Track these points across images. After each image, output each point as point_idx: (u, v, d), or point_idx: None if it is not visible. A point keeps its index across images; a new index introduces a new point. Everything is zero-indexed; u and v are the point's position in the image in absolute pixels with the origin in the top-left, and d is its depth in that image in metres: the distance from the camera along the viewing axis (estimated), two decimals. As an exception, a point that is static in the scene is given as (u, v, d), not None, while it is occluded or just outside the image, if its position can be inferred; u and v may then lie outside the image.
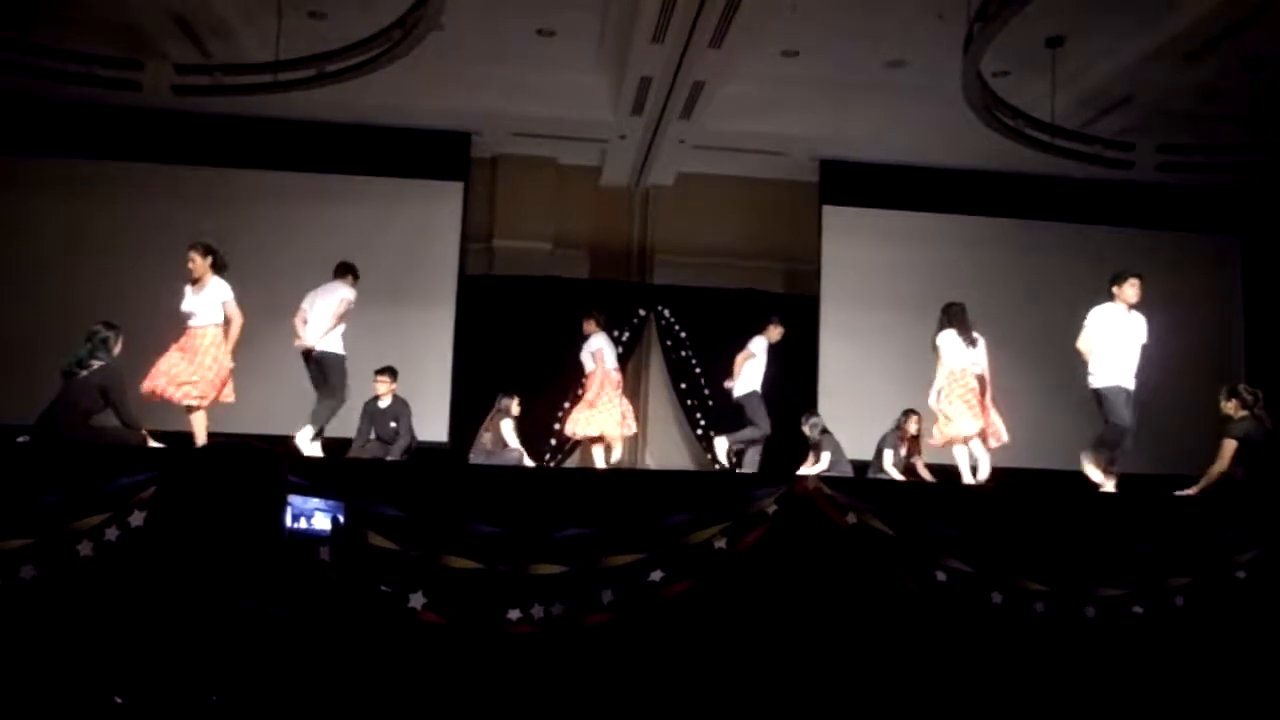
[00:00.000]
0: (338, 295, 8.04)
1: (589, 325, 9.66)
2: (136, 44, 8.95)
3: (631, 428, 9.76)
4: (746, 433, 9.27)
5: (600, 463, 9.49)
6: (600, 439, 9.45)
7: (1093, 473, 7.26)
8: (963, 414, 7.78)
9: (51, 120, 10.19)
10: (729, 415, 9.91)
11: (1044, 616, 5.95)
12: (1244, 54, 8.75)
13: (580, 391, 9.71)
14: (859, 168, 11.45)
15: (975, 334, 8.04)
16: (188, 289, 7.14)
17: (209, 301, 7.06)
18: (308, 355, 8.02)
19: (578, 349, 9.70)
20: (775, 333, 9.46)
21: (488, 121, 10.82)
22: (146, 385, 7.02)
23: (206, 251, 7.10)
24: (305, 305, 8.16)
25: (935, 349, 7.96)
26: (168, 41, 9.03)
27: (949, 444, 7.94)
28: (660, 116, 10.08)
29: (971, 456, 7.93)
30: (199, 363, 7.03)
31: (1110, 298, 7.46)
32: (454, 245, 11.09)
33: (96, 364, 6.79)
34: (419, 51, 8.11)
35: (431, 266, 10.79)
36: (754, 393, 9.27)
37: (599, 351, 9.43)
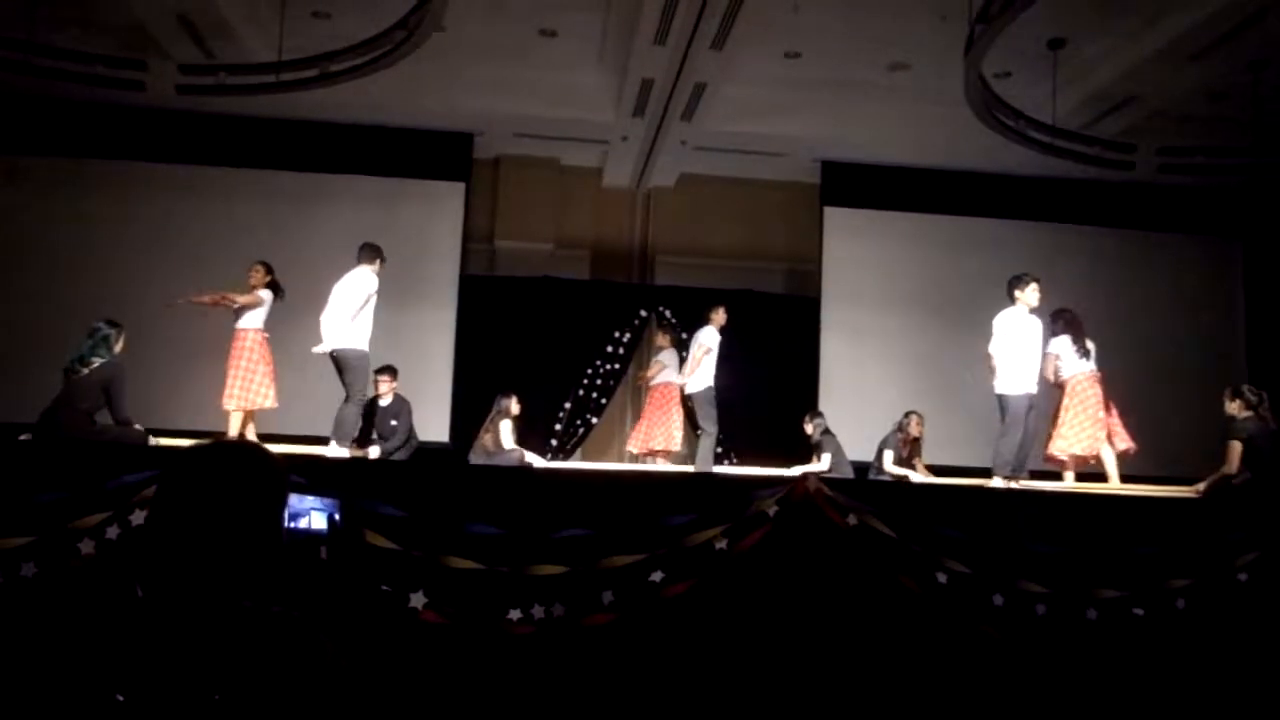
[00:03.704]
0: (359, 287, 7.35)
1: (662, 339, 9.78)
2: (140, 44, 8.96)
3: None
4: (705, 446, 8.95)
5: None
6: (664, 452, 9.69)
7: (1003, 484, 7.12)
8: (1080, 432, 7.56)
9: (55, 119, 10.20)
10: (725, 416, 9.84)
11: (1045, 619, 5.94)
12: (1246, 56, 8.73)
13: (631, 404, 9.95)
14: (860, 169, 11.46)
15: (1089, 342, 7.83)
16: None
17: (256, 308, 7.87)
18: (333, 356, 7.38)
19: (577, 349, 9.72)
20: (720, 317, 9.13)
21: (490, 122, 10.82)
22: (228, 405, 7.65)
23: (269, 270, 8.06)
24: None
25: (1046, 356, 7.74)
26: (171, 41, 9.04)
27: (1074, 464, 7.71)
28: (662, 118, 10.08)
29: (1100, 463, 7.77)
30: (256, 366, 7.70)
31: (1011, 302, 7.44)
32: (455, 245, 11.10)
33: (98, 362, 6.81)
34: (421, 52, 8.11)
35: (433, 266, 10.80)
36: (709, 389, 9.01)
37: (672, 367, 9.75)
